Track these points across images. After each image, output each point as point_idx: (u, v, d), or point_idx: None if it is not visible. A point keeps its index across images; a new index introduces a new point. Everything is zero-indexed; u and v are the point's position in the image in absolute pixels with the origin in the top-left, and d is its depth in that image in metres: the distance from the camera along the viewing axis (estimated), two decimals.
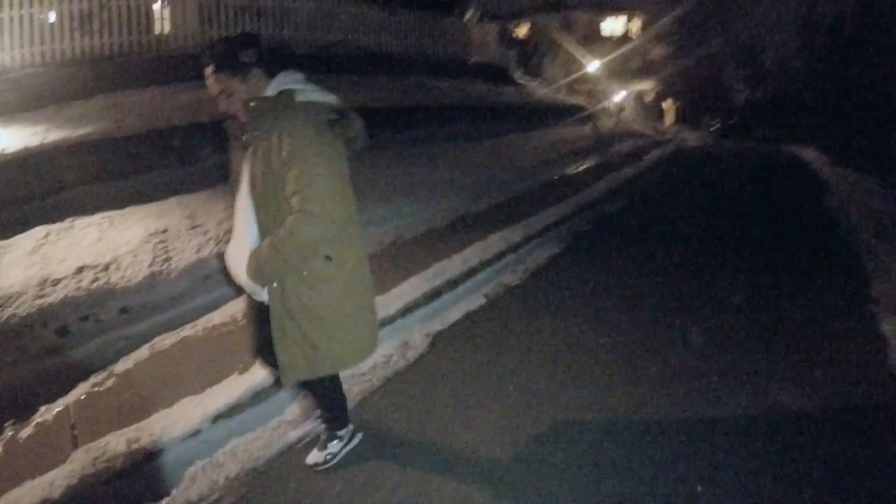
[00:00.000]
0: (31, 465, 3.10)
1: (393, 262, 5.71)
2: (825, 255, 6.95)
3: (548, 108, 18.38)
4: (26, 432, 3.43)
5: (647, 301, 5.21)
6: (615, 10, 29.82)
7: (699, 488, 2.84)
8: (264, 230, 2.38)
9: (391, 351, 4.26)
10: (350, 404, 3.31)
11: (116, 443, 3.15)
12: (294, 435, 3.34)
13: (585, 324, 4.70)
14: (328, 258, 2.40)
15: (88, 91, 7.70)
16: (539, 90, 19.71)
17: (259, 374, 3.55)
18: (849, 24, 22.20)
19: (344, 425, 3.00)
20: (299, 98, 2.28)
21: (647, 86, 29.84)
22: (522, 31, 26.07)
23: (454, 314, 4.94)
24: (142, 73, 8.35)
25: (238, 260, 2.48)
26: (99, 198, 5.96)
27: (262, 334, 2.61)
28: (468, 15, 17.23)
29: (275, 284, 2.41)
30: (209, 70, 2.30)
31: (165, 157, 6.78)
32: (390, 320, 4.58)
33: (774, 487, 2.86)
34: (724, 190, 12.08)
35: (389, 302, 4.76)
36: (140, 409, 3.47)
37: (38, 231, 5.22)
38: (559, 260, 6.45)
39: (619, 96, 25.62)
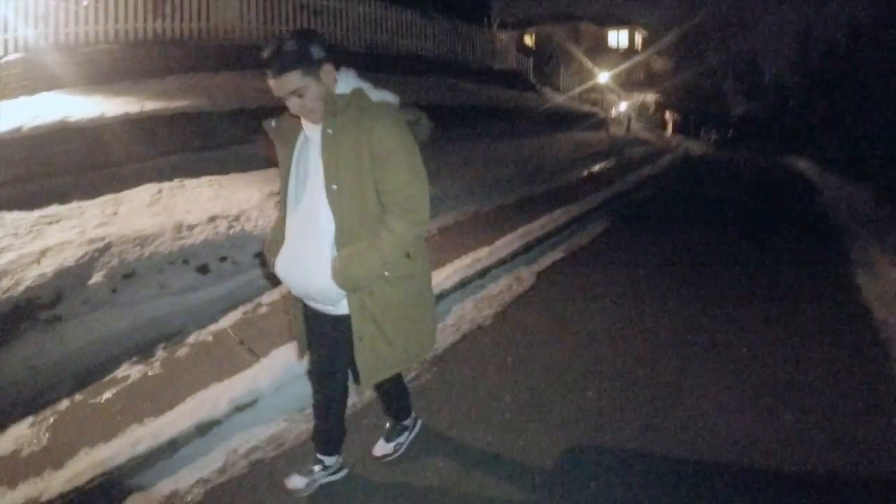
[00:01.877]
0: (208, 373, 3.43)
1: (485, 227, 6.78)
2: (816, 234, 8.64)
3: (565, 114, 18.92)
4: (182, 352, 3.76)
5: (679, 259, 6.60)
6: (620, 23, 30.53)
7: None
8: (346, 231, 2.13)
9: (510, 282, 5.38)
10: (491, 312, 4.59)
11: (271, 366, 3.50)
12: None
13: (639, 269, 6.08)
14: (408, 255, 2.23)
15: (161, 71, 7.92)
16: (555, 97, 20.18)
17: None
18: (842, 47, 22.94)
19: (409, 414, 2.91)
20: (374, 97, 2.13)
21: (650, 97, 30.51)
22: (530, 40, 26.63)
23: (546, 261, 6.13)
24: (210, 59, 8.56)
25: (311, 268, 2.18)
26: (201, 163, 6.30)
27: (323, 349, 2.44)
28: (496, 24, 17.75)
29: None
30: (278, 71, 2.00)
31: (256, 133, 7.11)
32: (502, 262, 5.70)
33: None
34: (731, 188, 13.68)
35: (497, 250, 5.81)
36: (277, 335, 3.82)
37: (149, 188, 5.52)
38: (610, 231, 7.73)
39: (624, 106, 26.20)
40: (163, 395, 3.21)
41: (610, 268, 6.03)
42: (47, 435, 2.97)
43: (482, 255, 5.57)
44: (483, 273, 5.35)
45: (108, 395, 3.31)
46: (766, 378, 3.77)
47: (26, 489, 2.59)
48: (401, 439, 2.87)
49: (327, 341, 2.39)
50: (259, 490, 2.66)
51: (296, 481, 2.56)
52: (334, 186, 2.08)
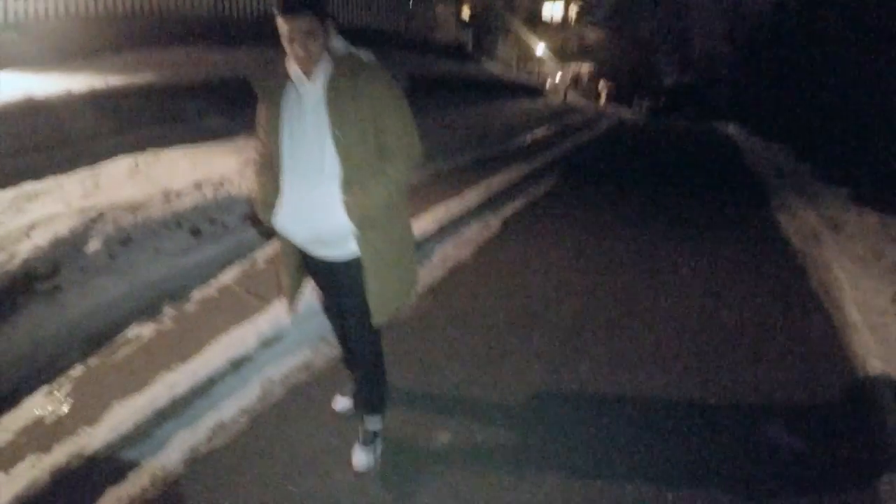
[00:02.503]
0: (225, 320, 3.64)
1: (451, 183, 7.44)
2: (743, 186, 10.03)
3: (505, 84, 19.42)
4: (190, 307, 3.94)
5: (623, 206, 7.71)
6: None
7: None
8: (351, 174, 2.25)
9: (480, 228, 6.18)
10: (469, 252, 5.41)
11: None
12: None
13: (588, 214, 7.22)
14: None
15: (113, 47, 7.74)
16: (494, 67, 20.54)
17: None
18: (769, 19, 24.10)
19: (383, 408, 2.76)
20: (364, 58, 2.29)
21: (584, 67, 31.18)
22: (469, 13, 26.74)
23: (508, 210, 6.98)
24: (161, 34, 8.40)
25: (324, 211, 2.29)
26: (171, 135, 6.30)
27: (333, 290, 2.60)
28: None
29: (368, 227, 2.34)
30: (295, 10, 2.06)
31: (220, 104, 7.15)
32: (472, 211, 6.49)
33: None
34: (666, 150, 15.13)
35: (466, 201, 6.61)
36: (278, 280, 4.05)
37: (125, 160, 5.52)
38: (560, 184, 8.72)
39: (559, 76, 26.73)
40: (185, 345, 3.37)
41: (564, 214, 7.06)
42: (70, 399, 2.97)
43: (454, 206, 6.28)
44: (457, 220, 6.06)
45: (124, 353, 3.38)
46: (707, 288, 4.93)
47: (65, 448, 2.61)
48: (379, 447, 2.75)
49: (335, 288, 2.54)
50: (297, 410, 2.97)
51: (342, 402, 2.96)
52: (339, 133, 2.20)
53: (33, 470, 2.48)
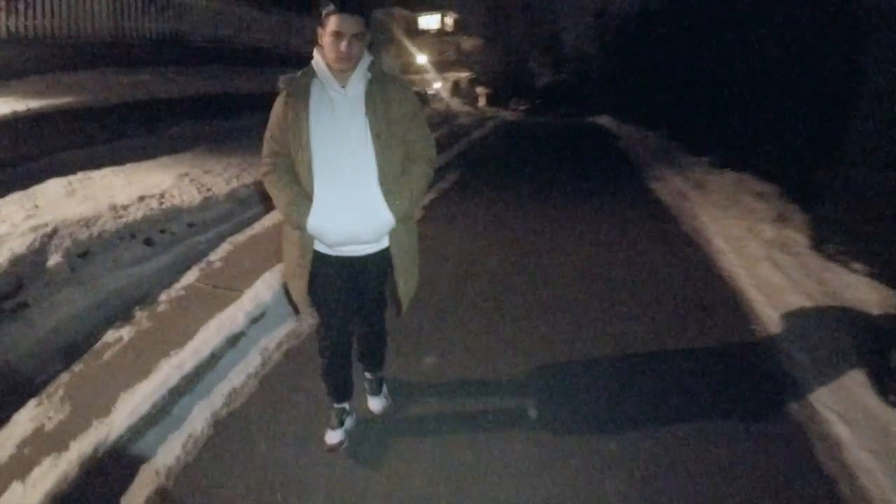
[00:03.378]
0: (204, 311, 3.90)
1: None
2: (619, 164, 11.73)
3: None
4: (162, 308, 4.10)
5: (522, 186, 8.82)
6: (430, 7, 31.84)
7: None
8: (387, 172, 2.38)
9: None
10: None
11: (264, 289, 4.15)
12: None
13: (494, 194, 8.18)
14: None
15: (19, 71, 7.53)
16: None
17: None
18: (634, 20, 26.04)
19: (383, 363, 3.14)
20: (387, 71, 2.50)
21: (463, 74, 32.29)
22: None
23: (425, 199, 7.55)
24: (67, 57, 8.23)
25: (367, 209, 2.38)
26: (97, 156, 6.30)
27: (345, 295, 2.63)
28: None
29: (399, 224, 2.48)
30: (355, 10, 2.22)
31: (137, 126, 7.22)
32: None
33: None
34: (550, 141, 16.63)
35: None
36: (245, 275, 4.43)
37: (58, 181, 5.52)
38: (465, 175, 9.67)
39: (439, 84, 27.62)
40: (175, 334, 3.59)
41: (473, 198, 7.95)
42: (67, 403, 2.97)
43: None
44: None
45: (110, 355, 3.42)
46: (600, 240, 6.00)
47: (84, 441, 2.67)
48: (386, 390, 3.16)
49: (355, 282, 2.62)
50: (298, 368, 3.42)
51: (336, 436, 2.86)
52: (379, 135, 2.32)
53: (55, 469, 2.53)
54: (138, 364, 3.29)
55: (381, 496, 2.53)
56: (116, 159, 6.40)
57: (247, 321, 3.68)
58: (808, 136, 8.45)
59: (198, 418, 3.01)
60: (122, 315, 4.11)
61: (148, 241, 4.92)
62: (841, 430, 2.87)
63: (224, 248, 4.95)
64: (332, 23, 2.19)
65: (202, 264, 4.74)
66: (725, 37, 11.55)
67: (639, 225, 6.53)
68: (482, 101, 33.85)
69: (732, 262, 5.14)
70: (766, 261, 5.04)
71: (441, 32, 31.60)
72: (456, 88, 31.26)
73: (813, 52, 8.41)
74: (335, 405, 2.88)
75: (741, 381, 3.36)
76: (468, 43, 32.46)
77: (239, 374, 3.31)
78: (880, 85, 5.59)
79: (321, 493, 2.54)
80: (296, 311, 2.78)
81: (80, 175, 5.79)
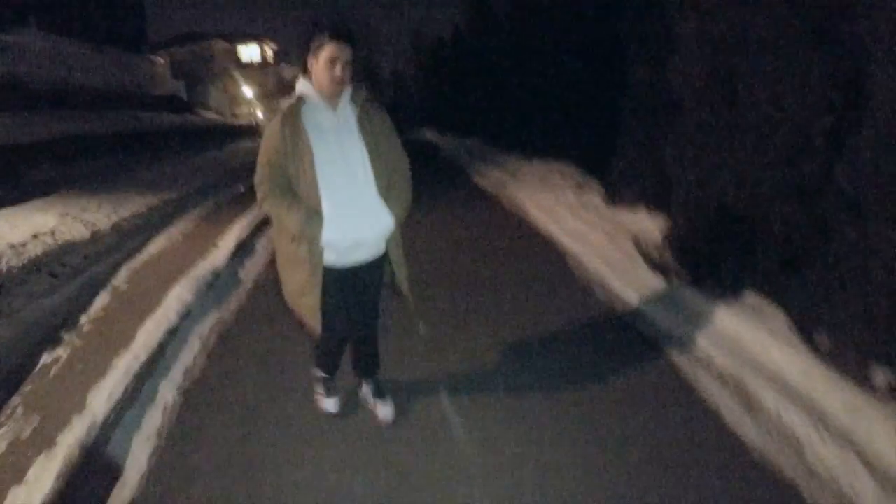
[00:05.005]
0: (129, 321, 4.38)
1: (233, 209, 8.95)
2: (446, 166, 14.71)
3: (227, 130, 20.50)
4: (87, 327, 4.39)
5: None
6: (249, 38, 31.65)
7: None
8: (382, 185, 2.61)
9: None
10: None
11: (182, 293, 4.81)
12: None
13: None
14: None
15: None
16: (209, 114, 21.20)
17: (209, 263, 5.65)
18: (447, 42, 28.01)
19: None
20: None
21: (284, 103, 32.45)
22: (180, 63, 26.34)
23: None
24: None
25: (375, 217, 2.62)
26: None
27: (354, 300, 2.80)
28: (147, 50, 17.89)
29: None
30: (350, 41, 2.46)
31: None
32: (262, 224, 7.75)
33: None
34: None
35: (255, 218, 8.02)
36: (155, 291, 4.97)
37: None
38: None
39: (263, 115, 27.94)
40: (113, 341, 3.91)
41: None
42: (34, 415, 3.08)
43: (255, 217, 7.99)
44: (260, 224, 7.67)
45: (57, 370, 3.64)
46: (438, 218, 7.87)
47: (69, 435, 2.85)
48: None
49: (358, 286, 2.78)
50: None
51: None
52: (373, 149, 2.57)
53: (53, 462, 2.65)
54: (91, 368, 3.57)
55: None
56: None
57: (178, 318, 4.33)
58: (596, 126, 10.32)
59: (168, 394, 3.44)
60: (50, 341, 4.15)
61: (53, 274, 5.28)
62: (631, 295, 4.62)
63: (124, 274, 5.42)
64: (329, 50, 2.40)
65: (109, 289, 5.13)
66: (526, 52, 13.54)
67: (468, 209, 8.33)
68: None
69: (546, 221, 6.95)
70: (571, 216, 6.84)
71: (262, 63, 31.65)
72: None
73: (592, 63, 10.35)
74: (328, 376, 3.17)
75: (558, 288, 4.97)
76: (289, 72, 32.80)
77: (189, 354, 3.96)
78: (639, 90, 7.20)
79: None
80: (304, 327, 2.80)
81: None
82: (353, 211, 2.56)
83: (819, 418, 2.90)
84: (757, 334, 3.70)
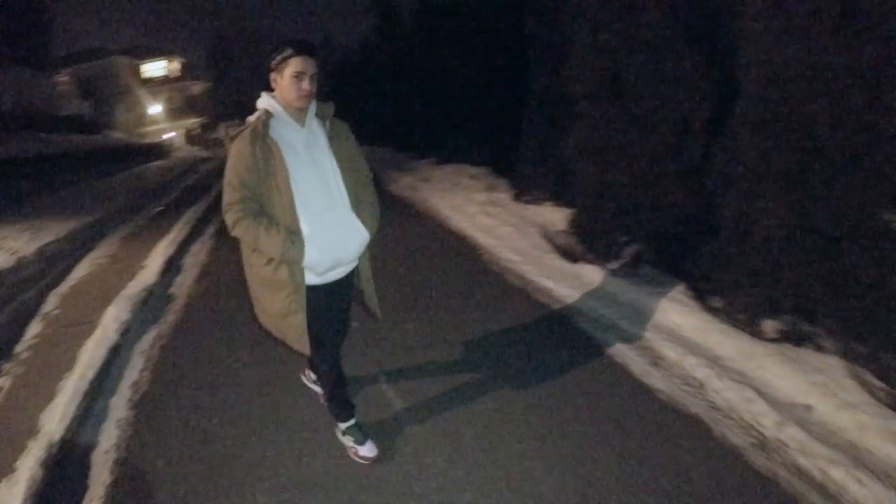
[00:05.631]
0: (69, 344, 4.47)
1: (159, 225, 9.40)
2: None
3: (136, 149, 19.91)
4: (25, 355, 4.41)
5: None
6: (154, 54, 30.59)
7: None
8: (353, 199, 2.57)
9: (202, 243, 8.19)
10: (206, 256, 7.31)
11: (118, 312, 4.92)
12: None
13: None
14: None
15: None
16: (117, 134, 20.52)
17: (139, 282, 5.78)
18: (357, 53, 28.18)
19: None
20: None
21: (194, 120, 31.67)
22: (84, 82, 25.13)
23: (210, 231, 9.00)
24: None
25: (352, 233, 2.56)
26: None
27: (334, 315, 2.76)
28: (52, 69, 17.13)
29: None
30: (314, 55, 2.39)
31: None
32: (189, 236, 8.56)
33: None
34: None
35: (181, 231, 8.68)
36: (89, 313, 5.07)
37: None
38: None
39: (172, 133, 27.26)
40: (58, 364, 4.06)
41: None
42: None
43: (179, 235, 8.31)
44: (182, 242, 8.00)
45: (2, 398, 3.71)
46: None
47: (38, 443, 3.05)
48: None
49: (334, 303, 2.73)
50: (176, 353, 4.42)
51: (369, 449, 2.84)
52: (343, 166, 2.53)
53: (31, 459, 2.89)
54: (38, 393, 3.65)
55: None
56: None
57: (118, 336, 4.48)
58: (504, 130, 10.85)
59: (120, 409, 3.57)
60: None
61: None
62: (541, 279, 5.17)
63: (52, 300, 5.51)
64: (294, 64, 2.34)
65: (39, 317, 5.18)
66: (434, 60, 13.93)
67: (385, 213, 8.37)
68: (227, 143, 33.27)
69: (459, 220, 7.55)
70: (482, 214, 7.44)
71: (168, 79, 30.62)
72: (189, 136, 30.32)
73: (500, 71, 10.86)
74: (351, 421, 2.90)
75: (475, 278, 5.48)
76: (196, 87, 32.00)
77: (134, 370, 4.11)
78: (540, 93, 7.70)
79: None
80: (292, 347, 2.63)
81: None
82: (331, 229, 2.49)
83: (716, 362, 3.48)
84: (657, 301, 4.30)
